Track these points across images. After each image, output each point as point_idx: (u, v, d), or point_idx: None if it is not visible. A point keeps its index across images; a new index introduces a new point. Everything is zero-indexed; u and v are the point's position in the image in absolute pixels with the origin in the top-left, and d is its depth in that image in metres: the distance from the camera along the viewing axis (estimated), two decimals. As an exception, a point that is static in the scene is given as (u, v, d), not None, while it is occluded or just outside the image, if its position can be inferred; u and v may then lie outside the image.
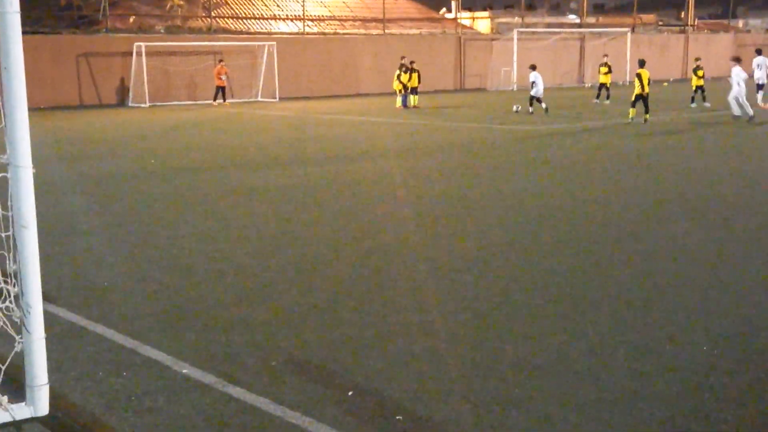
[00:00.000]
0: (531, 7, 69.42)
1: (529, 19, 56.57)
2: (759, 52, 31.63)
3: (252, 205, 12.43)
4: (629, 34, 51.82)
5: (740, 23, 74.71)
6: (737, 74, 24.24)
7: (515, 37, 44.40)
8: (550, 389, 5.35)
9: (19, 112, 4.44)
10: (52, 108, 34.31)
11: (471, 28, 55.82)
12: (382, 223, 10.90)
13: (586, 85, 48.13)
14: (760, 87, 29.97)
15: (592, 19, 61.99)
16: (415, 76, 33.83)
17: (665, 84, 45.56)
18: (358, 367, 5.79)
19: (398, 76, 33.45)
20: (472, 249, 9.35)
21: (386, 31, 49.01)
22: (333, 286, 7.86)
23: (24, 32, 4.49)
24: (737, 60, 24.89)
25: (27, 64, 4.48)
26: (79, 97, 37.51)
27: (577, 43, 53.53)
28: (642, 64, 25.07)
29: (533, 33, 50.72)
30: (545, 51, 48.34)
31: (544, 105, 28.15)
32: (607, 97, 34.09)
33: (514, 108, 29.06)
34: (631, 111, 24.41)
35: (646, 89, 24.16)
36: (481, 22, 57.45)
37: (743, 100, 24.04)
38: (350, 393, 5.32)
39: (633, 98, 24.41)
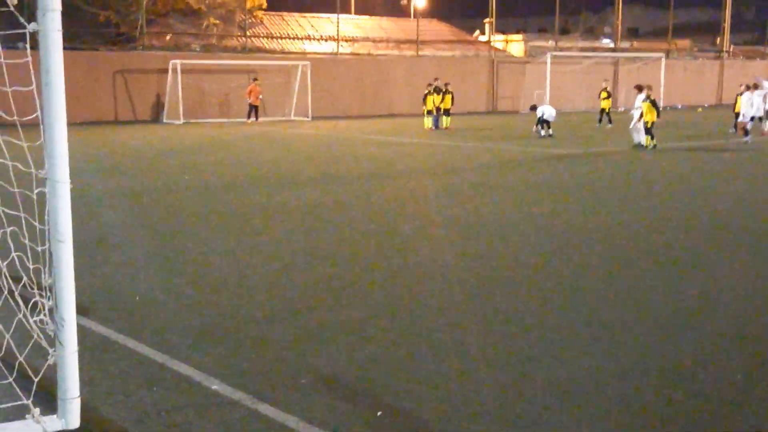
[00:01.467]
0: (565, 31, 69.47)
1: (562, 43, 56.54)
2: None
3: (283, 222, 12.48)
4: (663, 59, 51.58)
5: (776, 50, 73.98)
6: (640, 102, 23.97)
7: (548, 60, 44.33)
8: (579, 413, 5.31)
9: (58, 127, 4.50)
10: (88, 123, 34.75)
11: (504, 51, 55.84)
12: (412, 242, 10.90)
13: (620, 109, 47.92)
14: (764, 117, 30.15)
15: (626, 44, 61.78)
16: (448, 97, 33.92)
17: (699, 110, 45.33)
18: (387, 386, 5.78)
19: (425, 97, 33.56)
20: (503, 269, 9.31)
21: (419, 52, 49.17)
22: (363, 305, 7.86)
23: (63, 48, 4.57)
24: (640, 88, 24.65)
25: (65, 80, 4.55)
26: (114, 113, 37.99)
27: (611, 67, 53.37)
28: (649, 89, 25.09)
29: (567, 57, 50.63)
30: (579, 75, 48.28)
31: (550, 131, 28.93)
32: (609, 122, 34.44)
33: (541, 132, 29.05)
34: (647, 139, 24.10)
35: (654, 115, 24.09)
36: (515, 45, 57.48)
37: (638, 126, 23.82)
38: (379, 413, 5.31)
39: (649, 125, 24.13)
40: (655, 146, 23.88)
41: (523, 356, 6.39)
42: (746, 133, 26.74)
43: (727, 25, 62.02)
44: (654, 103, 24.14)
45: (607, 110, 35.16)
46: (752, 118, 27.44)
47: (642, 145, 23.84)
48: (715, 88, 58.73)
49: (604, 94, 35.66)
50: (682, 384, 5.80)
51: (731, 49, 66.20)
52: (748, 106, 26.59)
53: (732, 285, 8.68)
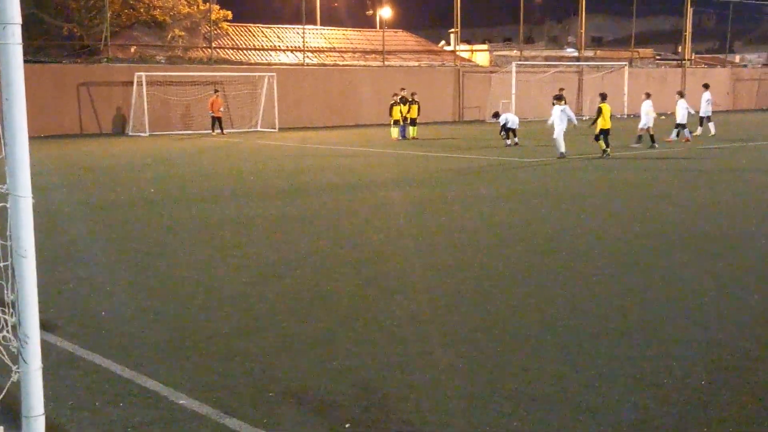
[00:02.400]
0: (529, 41, 70.03)
1: (527, 53, 56.96)
2: (706, 87, 34.39)
3: (250, 234, 12.43)
4: (627, 67, 52.12)
5: (737, 58, 75.20)
6: (560, 113, 24.17)
7: (513, 69, 44.65)
8: (548, 422, 5.34)
9: (19, 142, 4.45)
10: (52, 136, 34.42)
11: (470, 60, 56.14)
12: (380, 253, 10.90)
13: (584, 117, 48.30)
14: (706, 119, 33.16)
15: (590, 53, 62.35)
16: (414, 107, 34.04)
17: (662, 117, 45.68)
18: (356, 398, 5.77)
19: (391, 107, 33.63)
20: (471, 279, 9.34)
21: (386, 63, 49.30)
22: (331, 316, 7.84)
23: (26, 61, 4.52)
24: (559, 99, 24.90)
25: (28, 93, 4.50)
26: (79, 126, 37.70)
27: (575, 76, 53.86)
28: (604, 98, 25.28)
29: (531, 66, 51.02)
30: (543, 84, 48.67)
31: (513, 140, 29.14)
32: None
33: (507, 141, 29.22)
34: (601, 144, 24.28)
35: (608, 123, 24.33)
36: (480, 55, 57.80)
37: (559, 137, 23.93)
38: (347, 425, 5.30)
39: (597, 132, 24.35)
40: (606, 152, 24.15)
41: (491, 366, 6.41)
42: (639, 139, 28.19)
43: (688, 33, 62.85)
44: (600, 111, 24.41)
45: None
46: (679, 126, 29.83)
47: (564, 156, 23.71)
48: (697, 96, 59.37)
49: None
50: (649, 390, 5.85)
51: (693, 57, 67.06)
52: (644, 114, 28.09)
53: (695, 290, 8.77)
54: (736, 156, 25.02)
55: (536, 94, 47.85)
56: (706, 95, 33.68)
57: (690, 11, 62.38)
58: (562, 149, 23.76)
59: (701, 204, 15.30)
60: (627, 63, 53.63)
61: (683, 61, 63.04)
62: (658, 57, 65.94)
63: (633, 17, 58.94)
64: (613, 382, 6.00)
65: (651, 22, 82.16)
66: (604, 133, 24.29)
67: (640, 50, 63.72)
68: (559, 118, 23.96)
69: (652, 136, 27.96)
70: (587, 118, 46.02)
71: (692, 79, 59.14)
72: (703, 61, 69.73)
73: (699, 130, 33.09)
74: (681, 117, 30.07)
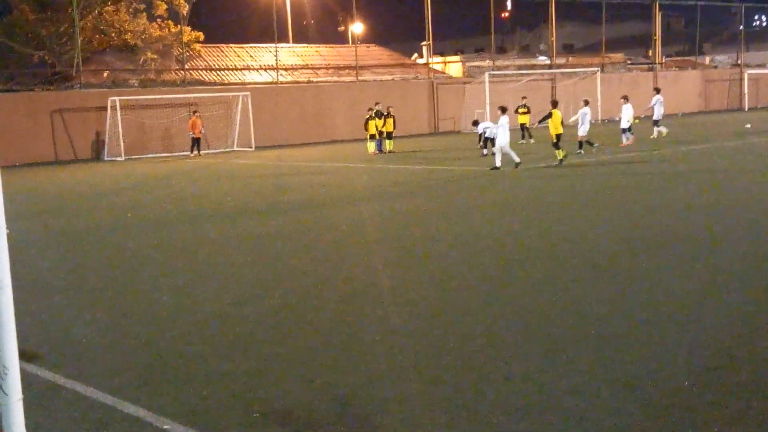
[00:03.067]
0: (502, 50, 70.45)
1: (500, 62, 57.25)
2: (657, 90, 35.86)
3: (230, 254, 12.39)
4: (599, 73, 52.49)
5: (707, 60, 75.96)
6: (505, 123, 24.25)
7: (487, 80, 44.84)
8: (535, 430, 5.34)
9: (-8, 172, 4.42)
10: (27, 164, 34.21)
11: (443, 72, 56.37)
12: (361, 268, 10.90)
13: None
14: (656, 123, 34.22)
15: (561, 60, 62.78)
16: (390, 121, 34.14)
17: (637, 121, 46.08)
18: (341, 415, 5.75)
19: (366, 122, 33.70)
20: (451, 291, 9.35)
21: (359, 78, 49.41)
22: (313, 334, 7.82)
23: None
24: (504, 110, 24.83)
25: (1, 122, 4.48)
26: (54, 153, 37.47)
27: (548, 83, 54.18)
28: (555, 104, 25.48)
29: (504, 75, 51.28)
30: (517, 92, 48.89)
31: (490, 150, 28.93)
32: (530, 137, 35.65)
33: (484, 151, 29.29)
34: (558, 152, 24.34)
35: (560, 129, 24.53)
36: (453, 66, 58.04)
37: (508, 148, 23.81)
38: (334, 442, 5.28)
39: (555, 140, 24.49)
40: (564, 157, 24.30)
41: (476, 376, 6.42)
42: (580, 146, 28.37)
43: (658, 37, 63.48)
44: (546, 117, 24.60)
45: (527, 125, 36.03)
46: (624, 130, 30.62)
47: (497, 168, 23.49)
48: (650, 99, 59.79)
49: (523, 110, 36.69)
50: (633, 395, 5.87)
51: (664, 61, 67.69)
52: (580, 122, 28.46)
53: (674, 293, 8.83)
54: (701, 158, 25.23)
55: (511, 103, 47.98)
56: (658, 98, 34.88)
57: (659, 15, 63.03)
58: (516, 159, 23.71)
59: (672, 206, 15.39)
60: (599, 69, 53.99)
61: (654, 65, 63.60)
62: (629, 61, 66.47)
63: (603, 23, 59.46)
64: (598, 388, 6.02)
65: (621, 27, 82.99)
66: (558, 138, 24.45)
67: (612, 55, 64.27)
68: (503, 129, 23.93)
69: (581, 143, 28.33)
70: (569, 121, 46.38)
71: (663, 82, 59.59)
72: (674, 64, 70.43)
73: (655, 133, 33.99)
74: (625, 121, 30.57)
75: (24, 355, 5.13)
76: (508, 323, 7.90)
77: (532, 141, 34.72)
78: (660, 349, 6.87)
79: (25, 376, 5.05)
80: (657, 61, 64.12)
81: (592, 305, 8.44)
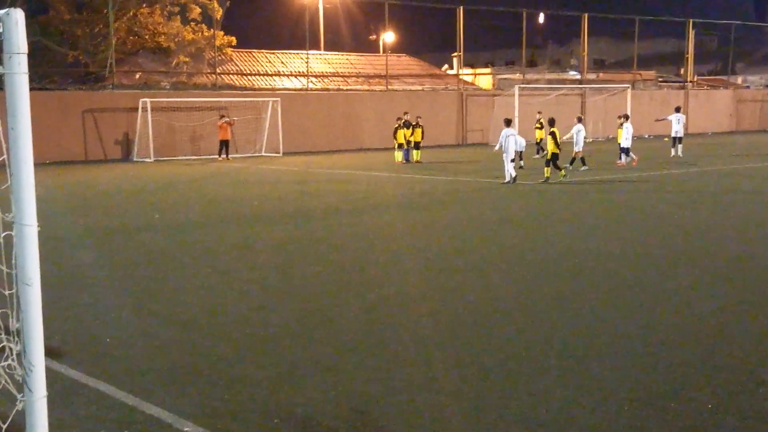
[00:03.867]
0: (532, 64, 70.21)
1: (530, 76, 57.10)
2: (678, 109, 36.45)
3: (255, 258, 12.44)
4: (629, 90, 52.22)
5: (739, 79, 75.41)
6: (510, 135, 24.11)
7: (516, 92, 44.73)
8: (554, 447, 5.32)
9: (25, 171, 4.47)
10: (57, 163, 34.55)
11: (473, 84, 56.33)
12: (385, 277, 10.90)
13: (588, 139, 48.41)
14: (677, 140, 34.60)
15: (592, 75, 62.51)
16: (418, 131, 34.18)
17: (666, 139, 45.80)
18: (362, 423, 5.75)
19: (395, 131, 33.76)
20: (475, 303, 9.33)
21: (389, 87, 49.49)
22: (336, 341, 7.84)
23: (31, 88, 4.54)
24: (508, 122, 25.03)
25: (33, 120, 4.52)
26: (84, 153, 37.82)
27: (578, 98, 53.99)
28: (552, 123, 25.19)
29: (534, 89, 51.15)
30: (546, 106, 48.75)
31: (521, 162, 29.15)
32: (543, 151, 35.14)
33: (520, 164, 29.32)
34: (546, 170, 24.07)
35: (556, 148, 24.21)
36: (483, 78, 57.99)
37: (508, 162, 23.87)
38: (353, 451, 5.28)
39: (549, 157, 24.18)
40: (564, 176, 24.15)
41: (496, 390, 6.40)
42: (583, 162, 28.46)
43: (690, 55, 63.08)
44: (553, 136, 24.35)
45: (539, 141, 35.55)
46: (624, 150, 29.98)
47: (508, 182, 23.51)
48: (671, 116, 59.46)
49: (537, 125, 36.05)
50: (654, 414, 5.82)
51: (695, 79, 67.26)
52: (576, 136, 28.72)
53: (700, 313, 8.75)
54: (726, 179, 25.01)
55: (543, 118, 47.93)
56: (677, 116, 35.21)
57: (692, 33, 62.64)
58: (512, 173, 23.71)
59: (700, 225, 15.27)
60: (630, 85, 53.70)
61: (686, 83, 63.21)
62: (660, 79, 66.10)
63: (635, 40, 59.18)
64: (619, 406, 5.98)
65: (653, 44, 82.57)
66: (555, 157, 24.19)
67: (643, 72, 63.90)
68: (506, 141, 23.89)
69: (573, 160, 28.35)
70: (590, 140, 46.20)
71: (695, 101, 59.32)
72: (705, 83, 69.92)
73: (673, 151, 34.37)
74: (625, 140, 29.91)
75: (49, 353, 5.18)
76: (530, 337, 7.87)
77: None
78: (683, 369, 6.81)
79: (49, 373, 5.10)
80: (689, 80, 63.71)
81: (615, 322, 8.38)
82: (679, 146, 34.62)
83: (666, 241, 13.51)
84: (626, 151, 30.07)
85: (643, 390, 6.32)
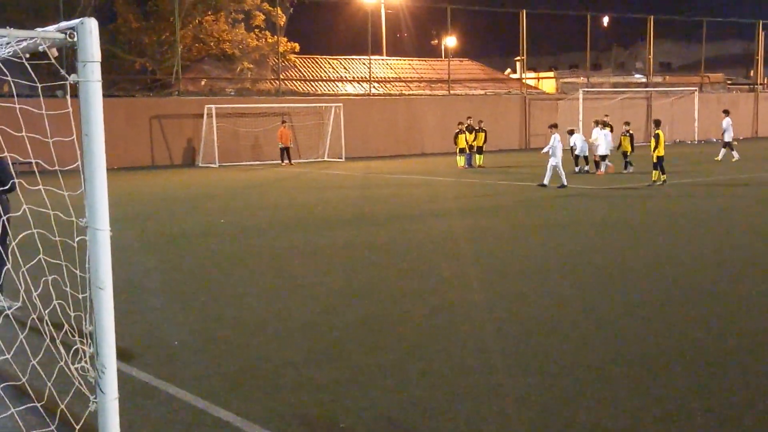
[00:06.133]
0: (596, 67, 69.43)
1: (594, 79, 56.47)
2: (726, 112, 35.69)
3: (320, 263, 12.50)
4: (697, 93, 51.29)
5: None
6: (557, 142, 23.96)
7: (581, 96, 44.28)
8: (624, 456, 5.22)
9: (98, 177, 4.55)
10: (125, 168, 35.22)
11: (536, 88, 55.91)
12: (447, 282, 10.86)
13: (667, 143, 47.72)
14: (727, 144, 34.33)
15: (658, 78, 61.58)
16: (481, 135, 34.09)
17: (735, 143, 44.92)
18: (427, 429, 5.73)
19: (456, 136, 33.64)
20: (541, 308, 9.23)
21: (451, 92, 49.39)
22: (400, 346, 7.82)
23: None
24: (554, 126, 25.01)
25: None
26: (151, 158, 38.52)
27: (644, 101, 53.21)
28: (658, 124, 24.78)
29: (599, 92, 50.57)
30: (611, 110, 48.19)
31: (586, 167, 29.20)
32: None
33: (576, 169, 29.02)
34: (654, 173, 23.92)
35: (662, 150, 23.83)
36: (546, 82, 57.53)
37: (560, 167, 23.64)
38: (419, 457, 5.26)
39: (655, 160, 23.87)
40: (664, 181, 23.80)
41: (562, 398, 6.31)
42: (627, 165, 28.55)
43: (760, 57, 61.70)
44: (657, 138, 23.98)
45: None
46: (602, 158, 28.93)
47: (564, 185, 23.43)
48: (751, 120, 58.30)
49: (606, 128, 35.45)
50: (728, 426, 5.68)
51: (765, 82, 65.74)
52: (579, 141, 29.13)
53: (775, 321, 8.53)
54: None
55: (613, 122, 47.39)
56: (727, 121, 34.73)
57: (762, 35, 61.24)
58: (564, 180, 23.59)
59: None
60: (697, 88, 52.78)
61: (755, 86, 61.83)
62: (729, 81, 64.78)
63: (702, 42, 58.12)
64: (691, 416, 5.85)
65: (721, 46, 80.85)
66: (660, 159, 23.87)
67: (711, 75, 62.72)
68: (557, 147, 23.80)
69: (585, 159, 28.62)
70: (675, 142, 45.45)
71: (765, 104, 58.02)
72: (775, 85, 68.29)
73: (721, 155, 34.09)
74: (603, 148, 28.86)
75: (120, 355, 5.26)
76: (598, 344, 7.75)
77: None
78: (759, 380, 6.64)
79: (120, 375, 5.17)
80: (758, 82, 62.30)
81: (687, 329, 8.22)
82: (722, 151, 34.42)
83: (738, 247, 13.21)
84: (604, 158, 29.06)
85: (716, 399, 6.18)
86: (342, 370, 7.09)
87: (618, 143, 29.68)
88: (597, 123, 29.60)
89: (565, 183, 23.48)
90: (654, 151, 23.84)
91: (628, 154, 28.87)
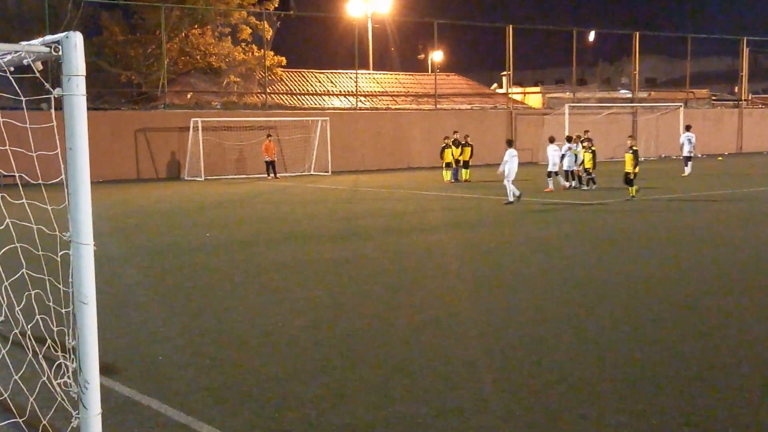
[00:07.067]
0: (582, 82, 69.82)
1: (580, 94, 56.80)
2: (688, 128, 36.72)
3: (305, 278, 12.47)
4: (682, 108, 51.62)
5: (795, 97, 74.10)
6: (512, 157, 24.19)
7: (566, 111, 44.48)
8: (609, 472, 5.21)
9: (82, 191, 4.54)
10: (110, 181, 35.10)
11: (522, 103, 56.15)
12: (434, 297, 10.85)
13: (641, 159, 47.90)
14: (688, 159, 35.21)
15: (644, 94, 61.96)
16: (467, 150, 34.20)
17: (720, 158, 45.25)
18: (412, 446, 5.70)
19: (442, 150, 33.71)
20: (527, 324, 9.23)
21: (437, 106, 49.52)
22: (386, 361, 7.80)
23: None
24: (510, 143, 25.65)
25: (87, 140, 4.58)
26: (136, 171, 38.42)
27: (629, 117, 53.50)
28: (632, 144, 25.36)
29: (584, 108, 50.83)
30: (597, 125, 48.44)
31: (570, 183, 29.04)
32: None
33: (565, 184, 29.10)
34: (631, 189, 24.31)
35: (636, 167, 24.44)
36: (532, 97, 57.80)
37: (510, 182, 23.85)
38: (404, 473, 5.24)
39: (632, 176, 24.36)
40: (634, 195, 24.15)
41: (547, 414, 6.30)
42: (579, 181, 29.04)
43: (744, 73, 62.20)
44: (635, 154, 24.49)
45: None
46: (550, 174, 29.09)
47: (511, 202, 23.51)
48: (735, 136, 58.69)
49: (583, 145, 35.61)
50: (713, 440, 5.69)
51: (750, 98, 66.27)
52: (549, 156, 29.25)
53: (761, 338, 8.55)
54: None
55: (591, 135, 47.61)
56: (687, 135, 35.73)
57: (746, 51, 61.79)
58: (517, 193, 23.64)
59: (757, 246, 14.98)
60: (682, 104, 53.11)
61: (740, 102, 62.30)
62: (714, 97, 65.24)
63: (687, 58, 58.54)
64: (676, 432, 5.85)
65: (706, 62, 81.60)
66: (634, 175, 24.44)
67: (696, 91, 63.17)
68: (510, 162, 23.90)
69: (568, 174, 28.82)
70: (642, 159, 45.70)
71: (749, 120, 58.45)
72: (760, 101, 68.83)
73: (686, 170, 34.88)
74: (552, 164, 29.07)
75: (103, 370, 5.23)
76: (584, 360, 7.75)
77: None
78: (744, 395, 6.65)
79: (103, 390, 5.14)
80: (743, 98, 62.79)
81: (672, 345, 8.23)
82: (688, 165, 35.25)
83: (721, 262, 13.27)
84: (555, 173, 29.18)
85: (702, 415, 6.18)
86: (326, 386, 7.06)
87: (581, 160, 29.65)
88: (569, 139, 29.63)
89: (511, 200, 23.56)
90: (635, 168, 24.25)
91: (590, 171, 28.99)
